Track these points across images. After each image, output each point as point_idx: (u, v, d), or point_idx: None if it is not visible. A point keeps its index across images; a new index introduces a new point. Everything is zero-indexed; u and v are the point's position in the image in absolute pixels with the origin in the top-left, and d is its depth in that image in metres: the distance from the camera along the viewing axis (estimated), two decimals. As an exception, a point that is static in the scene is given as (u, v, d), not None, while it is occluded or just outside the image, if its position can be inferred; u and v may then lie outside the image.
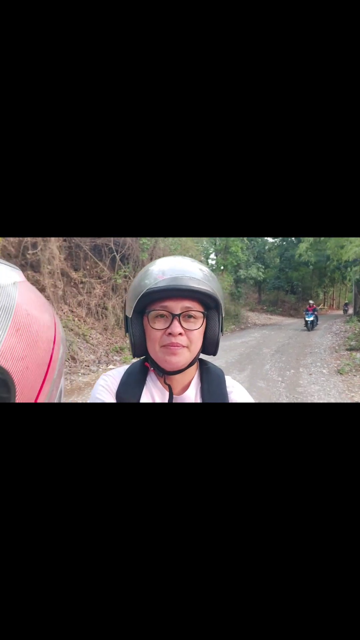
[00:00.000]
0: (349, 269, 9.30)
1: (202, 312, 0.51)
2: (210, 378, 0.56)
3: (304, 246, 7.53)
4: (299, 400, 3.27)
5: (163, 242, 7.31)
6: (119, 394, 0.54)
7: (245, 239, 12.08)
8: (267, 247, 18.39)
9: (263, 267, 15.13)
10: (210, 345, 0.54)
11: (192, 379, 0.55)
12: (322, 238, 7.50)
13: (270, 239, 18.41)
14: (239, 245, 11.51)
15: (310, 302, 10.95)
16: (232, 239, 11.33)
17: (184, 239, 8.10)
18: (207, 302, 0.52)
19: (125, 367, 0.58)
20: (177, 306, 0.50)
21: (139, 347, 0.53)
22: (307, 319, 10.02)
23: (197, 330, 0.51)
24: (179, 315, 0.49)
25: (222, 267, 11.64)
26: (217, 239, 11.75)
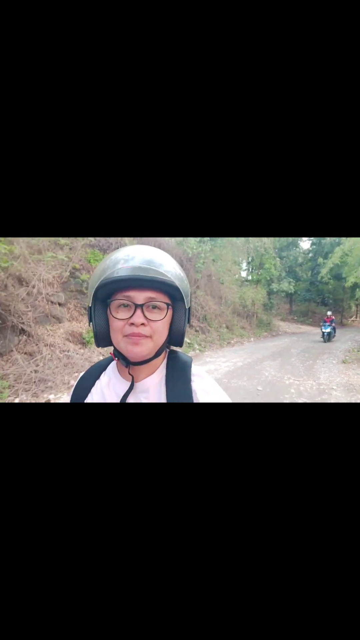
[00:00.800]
0: (357, 290, 10.67)
1: (166, 303, 0.51)
2: (176, 364, 0.56)
3: (325, 270, 9.09)
4: (311, 375, 5.03)
5: (213, 265, 9.27)
6: (77, 387, 0.57)
7: (277, 256, 13.71)
8: (299, 261, 19.83)
9: (294, 281, 16.65)
10: (176, 336, 0.54)
11: (157, 369, 0.55)
12: (340, 264, 8.78)
13: (300, 254, 19.89)
14: (271, 262, 13.21)
15: (329, 313, 10.80)
16: (266, 256, 13.04)
17: (228, 261, 9.93)
18: (173, 294, 0.52)
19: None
20: (140, 296, 0.49)
21: (102, 337, 0.53)
22: (323, 330, 9.84)
23: (160, 321, 0.51)
24: (142, 305, 0.49)
25: (256, 281, 13.38)
26: (252, 256, 13.47)
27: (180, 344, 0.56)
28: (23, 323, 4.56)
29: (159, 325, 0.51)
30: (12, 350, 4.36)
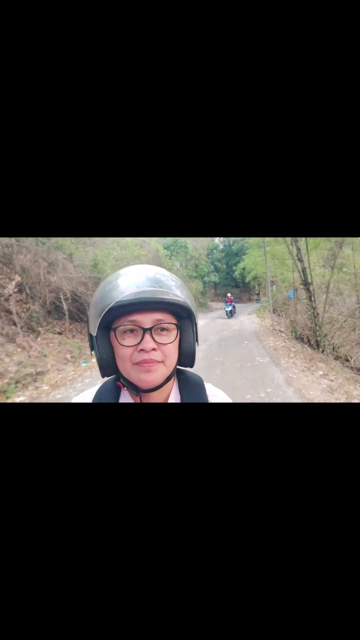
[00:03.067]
0: (251, 282, 18.33)
1: (175, 324, 0.48)
2: (190, 388, 0.54)
3: (237, 273, 16.19)
4: (237, 319, 11.86)
5: (176, 272, 15.42)
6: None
7: (205, 254, 20.46)
8: (218, 257, 27.54)
9: (217, 273, 24.18)
10: (186, 357, 0.51)
11: (169, 393, 0.52)
12: (245, 267, 15.55)
13: (218, 253, 27.57)
14: (204, 263, 20.08)
15: (228, 294, 12.92)
16: (200, 260, 19.61)
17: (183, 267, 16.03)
18: (179, 313, 0.49)
19: (95, 388, 0.55)
20: (147, 319, 0.46)
21: (108, 367, 0.50)
22: (226, 309, 12.16)
23: (171, 343, 0.48)
24: (150, 329, 0.46)
25: (194, 276, 20.03)
26: (187, 258, 19.82)
27: (191, 365, 0.53)
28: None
29: (170, 348, 0.48)
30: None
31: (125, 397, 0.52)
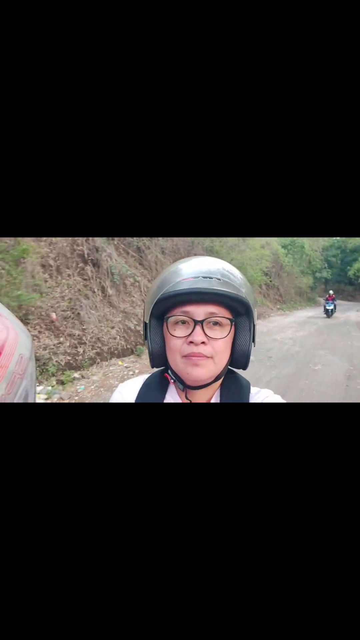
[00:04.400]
0: None
1: (229, 319, 0.48)
2: (231, 384, 0.52)
3: (351, 272, 16.99)
4: (343, 315, 13.72)
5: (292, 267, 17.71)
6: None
7: (319, 252, 21.60)
8: (333, 253, 27.70)
9: (330, 269, 24.85)
10: (240, 357, 0.50)
11: (214, 393, 0.52)
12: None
13: (334, 249, 27.60)
14: (317, 260, 21.39)
15: (330, 292, 13.12)
16: (313, 257, 20.94)
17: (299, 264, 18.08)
18: (236, 308, 0.48)
19: (144, 377, 0.55)
20: (200, 311, 0.46)
21: (158, 357, 0.51)
22: (327, 307, 12.00)
23: (222, 339, 0.47)
24: (201, 321, 0.46)
25: (307, 272, 21.54)
26: (302, 256, 21.25)
27: (244, 367, 0.52)
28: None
29: (221, 344, 0.47)
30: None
31: (172, 391, 0.53)
